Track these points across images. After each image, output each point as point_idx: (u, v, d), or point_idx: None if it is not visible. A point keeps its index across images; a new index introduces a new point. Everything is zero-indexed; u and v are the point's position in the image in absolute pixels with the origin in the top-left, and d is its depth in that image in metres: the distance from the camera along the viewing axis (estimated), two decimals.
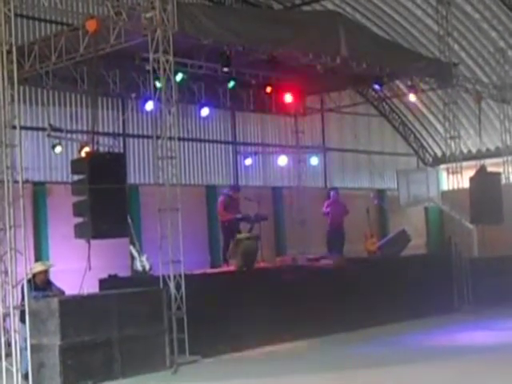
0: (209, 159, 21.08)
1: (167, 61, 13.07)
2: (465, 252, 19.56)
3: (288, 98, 20.25)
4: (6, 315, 11.23)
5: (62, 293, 11.93)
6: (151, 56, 13.08)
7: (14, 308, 11.02)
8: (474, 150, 25.36)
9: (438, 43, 19.95)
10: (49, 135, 16.56)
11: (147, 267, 14.30)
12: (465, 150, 24.13)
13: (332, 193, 19.98)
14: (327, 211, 19.53)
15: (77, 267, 13.10)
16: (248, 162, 21.56)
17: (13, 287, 11.03)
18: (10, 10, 11.39)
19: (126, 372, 11.58)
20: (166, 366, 12.17)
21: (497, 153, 23.35)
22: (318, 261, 17.17)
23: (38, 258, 15.26)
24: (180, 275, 12.75)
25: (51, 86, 16.44)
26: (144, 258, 14.40)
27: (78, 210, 12.85)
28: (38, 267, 11.99)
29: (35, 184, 16.99)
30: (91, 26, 12.78)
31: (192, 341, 12.66)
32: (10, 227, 11.00)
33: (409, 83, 19.44)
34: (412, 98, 20.25)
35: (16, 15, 11.85)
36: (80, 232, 12.85)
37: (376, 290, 16.11)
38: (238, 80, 17.96)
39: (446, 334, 15.00)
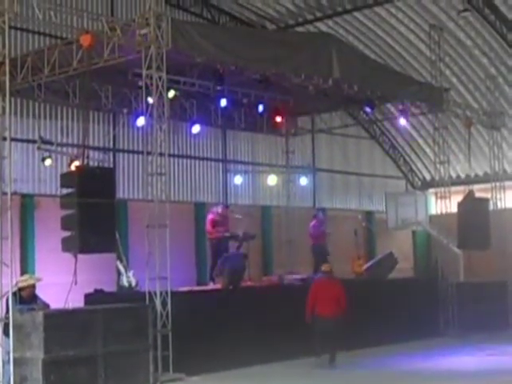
0: (198, 176, 21.10)
1: (160, 77, 13.11)
2: (451, 276, 19.58)
3: (279, 117, 20.29)
4: None
5: (47, 306, 11.82)
6: (144, 72, 13.12)
7: None
8: (462, 175, 25.50)
9: (430, 68, 20.07)
10: (39, 148, 16.54)
11: (133, 283, 14.27)
12: (454, 175, 24.25)
13: (321, 214, 19.97)
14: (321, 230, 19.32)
15: (63, 281, 13.02)
16: (238, 180, 21.59)
17: None
18: (4, 22, 11.43)
19: None
20: (150, 383, 12.10)
21: (485, 178, 23.42)
22: (305, 281, 17.11)
23: (24, 271, 15.16)
24: (166, 292, 12.70)
25: (43, 98, 16.46)
26: (130, 274, 14.36)
27: (65, 223, 12.80)
28: (28, 281, 11.80)
29: (23, 196, 16.94)
30: (86, 40, 12.82)
31: (176, 358, 12.60)
32: None
33: (400, 107, 19.55)
34: (402, 121, 20.35)
35: (10, 27, 11.85)
36: (67, 246, 12.81)
37: (362, 313, 16.04)
38: (230, 98, 18.01)
39: (431, 358, 14.97)
